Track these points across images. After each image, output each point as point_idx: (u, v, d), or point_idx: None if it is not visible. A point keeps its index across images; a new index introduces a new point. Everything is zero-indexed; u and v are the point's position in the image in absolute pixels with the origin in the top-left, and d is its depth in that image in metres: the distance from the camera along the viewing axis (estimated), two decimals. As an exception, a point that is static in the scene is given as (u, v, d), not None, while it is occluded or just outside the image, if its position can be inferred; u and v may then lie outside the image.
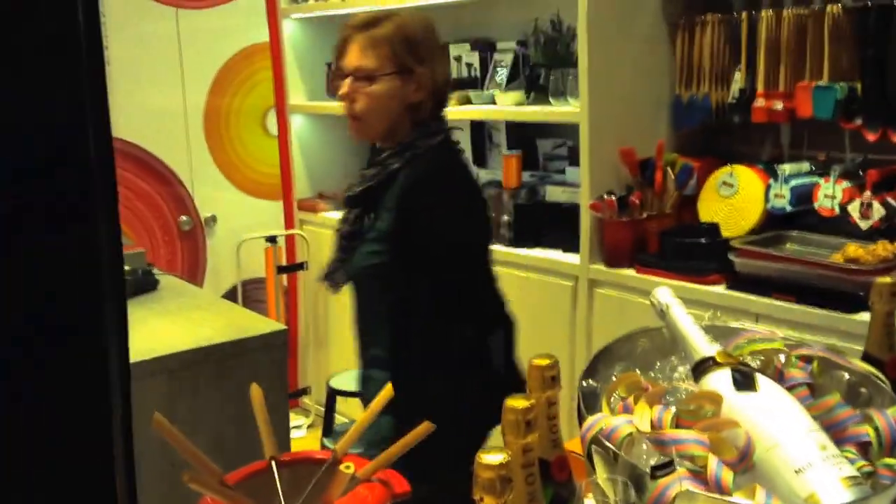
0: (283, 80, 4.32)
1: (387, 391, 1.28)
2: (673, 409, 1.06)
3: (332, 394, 3.43)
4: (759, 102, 2.78)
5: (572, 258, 3.10)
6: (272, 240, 4.26)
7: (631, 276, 2.89)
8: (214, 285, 4.52)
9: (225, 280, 4.55)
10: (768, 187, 2.78)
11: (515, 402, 0.91)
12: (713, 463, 0.98)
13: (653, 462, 0.99)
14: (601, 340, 1.27)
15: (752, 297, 2.57)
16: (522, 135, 3.71)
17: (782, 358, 1.12)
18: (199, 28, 4.37)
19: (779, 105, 2.74)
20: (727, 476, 0.97)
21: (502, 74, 3.51)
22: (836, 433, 1.05)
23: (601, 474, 1.05)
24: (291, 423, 3.97)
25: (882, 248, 2.40)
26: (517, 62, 3.49)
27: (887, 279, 1.16)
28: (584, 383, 1.19)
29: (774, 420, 1.02)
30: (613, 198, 2.92)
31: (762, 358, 1.13)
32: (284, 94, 4.33)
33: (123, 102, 4.12)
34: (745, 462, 1.00)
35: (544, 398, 1.01)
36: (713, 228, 2.86)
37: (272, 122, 4.55)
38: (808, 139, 2.91)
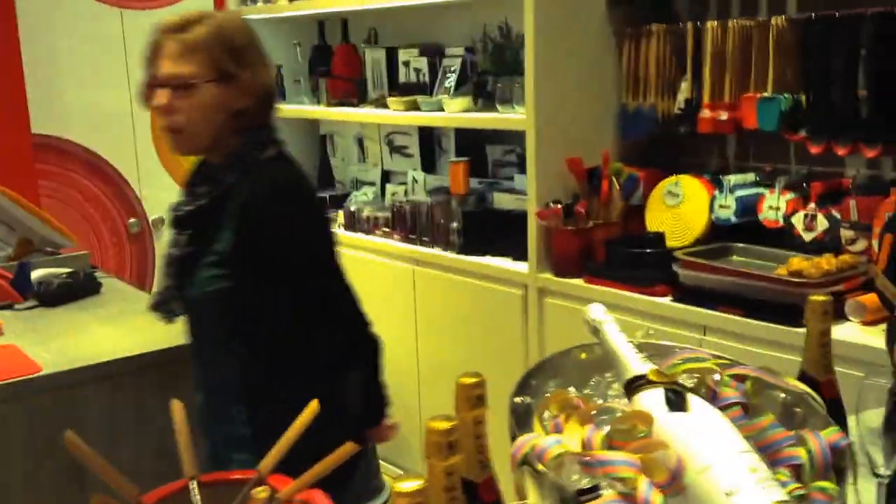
0: (231, 83, 4.26)
1: (313, 406, 1.23)
2: (604, 429, 1.04)
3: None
4: (705, 113, 2.78)
5: (521, 266, 3.07)
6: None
7: (579, 285, 2.87)
8: (163, 288, 4.47)
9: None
10: (713, 198, 2.78)
11: (437, 424, 0.88)
12: (643, 485, 0.95)
13: (583, 484, 0.96)
14: (554, 351, 1.24)
15: (698, 309, 2.55)
16: (472, 141, 3.68)
17: (716, 377, 1.10)
18: (145, 29, 4.29)
19: (724, 116, 2.74)
20: (657, 499, 0.95)
21: (451, 80, 3.48)
22: (770, 455, 1.03)
23: (531, 496, 1.02)
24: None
25: (826, 262, 2.39)
26: (465, 68, 3.46)
27: (820, 297, 1.14)
28: (517, 400, 1.15)
29: (706, 441, 0.99)
30: (559, 206, 2.90)
31: (695, 377, 1.10)
32: (232, 96, 4.27)
33: (71, 104, 4.07)
34: (675, 484, 0.97)
35: (470, 418, 0.98)
36: (658, 238, 2.85)
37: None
38: (753, 150, 2.92)
